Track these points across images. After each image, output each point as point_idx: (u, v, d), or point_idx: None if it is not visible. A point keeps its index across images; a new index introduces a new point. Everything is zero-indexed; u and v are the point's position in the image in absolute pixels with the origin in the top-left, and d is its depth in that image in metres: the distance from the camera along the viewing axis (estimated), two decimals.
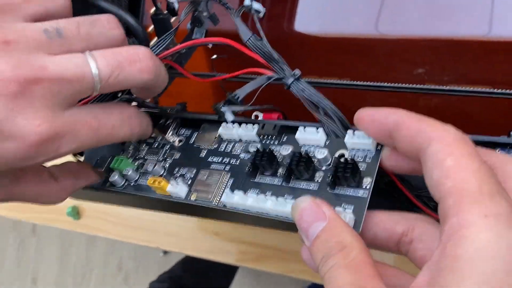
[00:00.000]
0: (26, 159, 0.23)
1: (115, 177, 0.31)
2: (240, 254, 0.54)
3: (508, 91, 0.33)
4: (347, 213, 0.23)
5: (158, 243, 0.60)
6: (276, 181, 0.27)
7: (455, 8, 0.44)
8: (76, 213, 0.63)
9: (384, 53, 0.46)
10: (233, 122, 0.30)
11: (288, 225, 0.25)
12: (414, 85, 0.36)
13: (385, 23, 0.46)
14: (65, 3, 0.26)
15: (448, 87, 0.36)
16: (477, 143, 0.25)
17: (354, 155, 0.25)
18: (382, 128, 0.22)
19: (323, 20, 0.50)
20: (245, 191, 0.27)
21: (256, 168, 0.27)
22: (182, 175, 0.30)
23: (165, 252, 1.46)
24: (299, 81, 0.28)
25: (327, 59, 0.49)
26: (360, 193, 0.24)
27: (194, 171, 0.30)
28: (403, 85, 0.36)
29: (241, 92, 0.29)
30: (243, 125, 0.29)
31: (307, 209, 0.22)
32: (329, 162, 0.26)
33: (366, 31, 0.47)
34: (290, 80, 0.28)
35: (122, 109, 0.28)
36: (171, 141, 0.32)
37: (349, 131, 0.25)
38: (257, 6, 0.30)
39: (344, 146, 0.26)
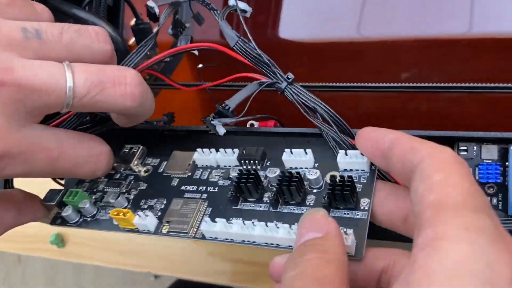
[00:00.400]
0: None
1: (68, 212, 0.27)
2: (237, 275, 0.51)
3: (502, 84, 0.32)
4: (349, 236, 0.20)
5: (149, 267, 0.57)
6: (262, 207, 0.24)
7: (438, 8, 0.43)
8: (60, 241, 0.60)
9: (369, 57, 0.45)
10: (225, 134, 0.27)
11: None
12: (408, 84, 0.35)
13: (369, 26, 0.45)
14: (49, 18, 0.24)
15: (440, 84, 0.34)
16: (495, 141, 0.24)
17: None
18: (377, 147, 0.20)
19: (306, 26, 0.49)
20: (227, 219, 0.23)
21: (239, 194, 0.24)
22: (151, 206, 0.27)
23: (156, 276, 1.42)
24: (293, 85, 0.26)
25: (311, 65, 0.48)
26: (359, 214, 0.22)
27: (165, 201, 0.27)
28: (397, 84, 0.35)
29: (231, 102, 0.26)
30: (222, 150, 0.26)
31: (314, 219, 0.20)
32: (321, 184, 0.24)
33: (351, 35, 0.46)
34: (283, 85, 0.26)
35: (93, 144, 0.25)
36: (136, 171, 0.29)
37: (341, 151, 0.23)
38: (243, 5, 0.28)
39: (335, 168, 0.24)
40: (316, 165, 0.25)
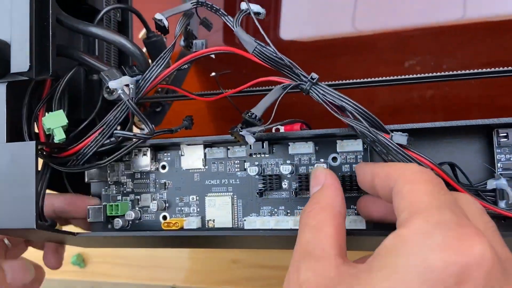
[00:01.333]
0: None
1: (119, 224, 0.31)
2: (264, 280, 0.51)
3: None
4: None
5: (173, 280, 0.56)
6: (284, 194, 0.29)
7: None
8: (81, 261, 0.59)
9: (369, 50, 0.45)
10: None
11: None
12: (430, 74, 0.34)
13: (367, 19, 0.45)
14: None
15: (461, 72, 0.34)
16: None
17: (346, 157, 0.28)
18: (365, 180, 0.24)
19: (304, 25, 0.48)
20: (258, 210, 0.29)
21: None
22: (187, 204, 0.31)
23: None
24: (318, 85, 0.26)
25: (312, 63, 0.47)
26: None
27: (197, 197, 0.31)
28: (418, 75, 0.34)
29: (257, 110, 0.25)
30: (230, 146, 0.30)
31: (315, 175, 0.25)
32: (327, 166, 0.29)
33: (351, 29, 0.46)
34: (308, 86, 0.26)
35: None
36: (152, 169, 0.31)
37: (338, 141, 0.28)
38: (256, 8, 0.27)
39: (334, 150, 0.28)
40: (316, 148, 0.29)
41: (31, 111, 0.29)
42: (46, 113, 0.29)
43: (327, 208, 0.22)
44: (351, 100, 0.25)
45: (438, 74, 0.34)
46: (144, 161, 0.31)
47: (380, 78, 0.35)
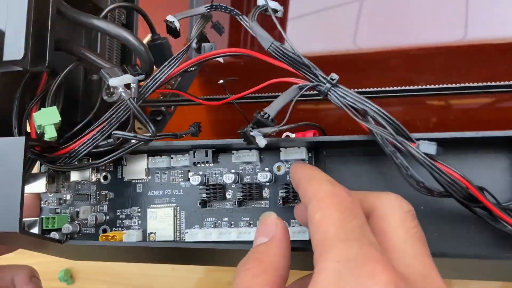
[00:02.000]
0: None
1: (56, 237, 0.29)
2: None
3: None
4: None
5: None
6: (228, 205, 0.28)
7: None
8: (69, 277, 0.56)
9: (375, 68, 0.44)
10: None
11: None
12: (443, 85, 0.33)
13: (373, 37, 0.44)
14: None
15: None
16: None
17: (290, 165, 0.27)
18: (295, 184, 0.23)
19: (309, 41, 0.47)
20: (202, 222, 0.28)
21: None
22: (128, 216, 0.29)
23: None
24: (338, 87, 0.24)
25: None
26: None
27: (139, 209, 0.29)
28: (434, 86, 0.33)
29: (271, 110, 0.24)
30: (173, 155, 0.29)
31: (264, 223, 0.22)
32: (271, 177, 0.27)
33: (358, 47, 0.45)
34: (326, 87, 0.24)
35: None
36: (93, 180, 0.30)
37: (282, 149, 0.26)
38: (273, 4, 0.26)
39: (278, 159, 0.27)
40: (261, 156, 0.27)
41: (23, 107, 0.27)
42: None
43: (269, 271, 0.20)
44: (374, 104, 0.23)
45: (454, 86, 0.33)
46: (85, 171, 0.30)
47: (392, 88, 0.33)
